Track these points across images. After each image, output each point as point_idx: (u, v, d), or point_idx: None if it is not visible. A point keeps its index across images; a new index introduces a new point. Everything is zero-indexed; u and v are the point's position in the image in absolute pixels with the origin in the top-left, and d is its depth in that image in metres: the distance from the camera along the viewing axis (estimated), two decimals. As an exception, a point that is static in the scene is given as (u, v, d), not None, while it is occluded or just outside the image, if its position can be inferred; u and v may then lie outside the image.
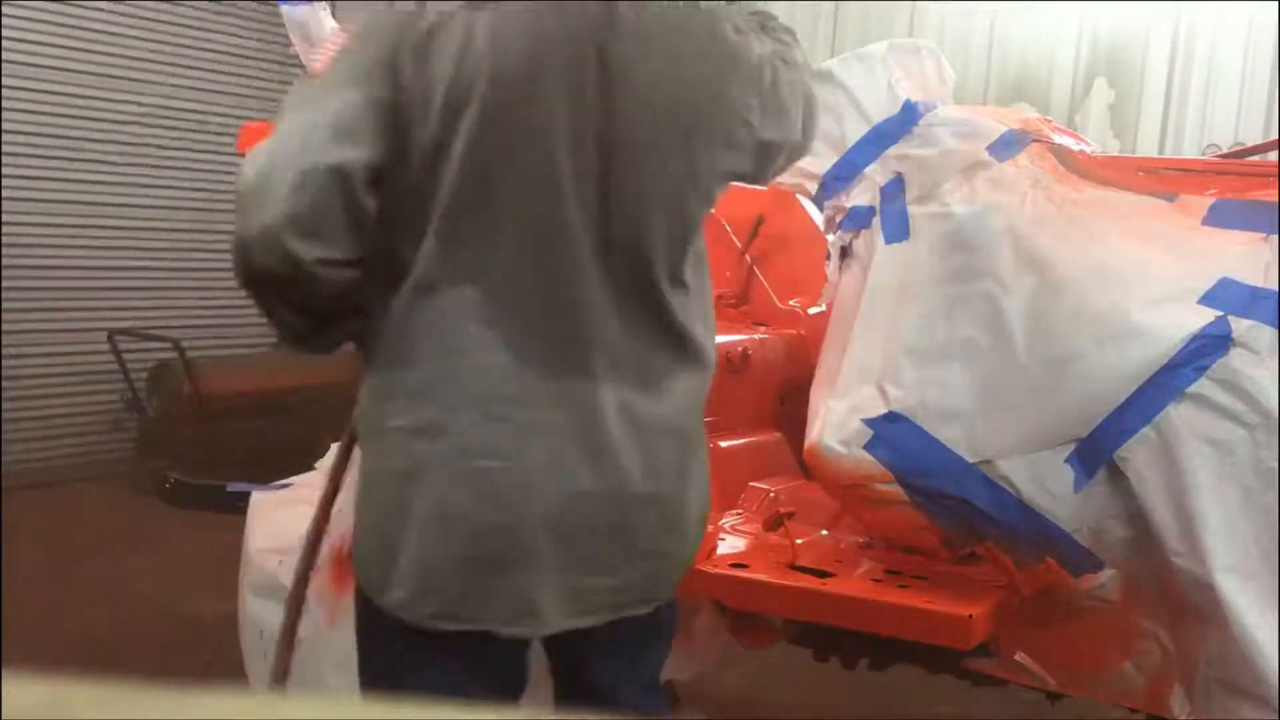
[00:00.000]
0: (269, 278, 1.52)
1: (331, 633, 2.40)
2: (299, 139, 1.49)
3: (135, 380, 6.00)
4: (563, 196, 1.55)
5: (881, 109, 2.54)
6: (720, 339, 1.83)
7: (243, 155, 2.79)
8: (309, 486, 2.96)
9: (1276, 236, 2.15)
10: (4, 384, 5.72)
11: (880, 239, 2.43)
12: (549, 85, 1.54)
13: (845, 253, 2.56)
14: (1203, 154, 4.86)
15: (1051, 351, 2.15)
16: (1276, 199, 2.20)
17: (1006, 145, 2.42)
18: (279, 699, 0.50)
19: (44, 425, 6.01)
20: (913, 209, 2.41)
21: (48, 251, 5.94)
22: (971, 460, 2.18)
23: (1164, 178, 2.46)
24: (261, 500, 2.95)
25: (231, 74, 6.67)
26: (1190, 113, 5.27)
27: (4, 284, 5.69)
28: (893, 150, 2.50)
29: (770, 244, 3.11)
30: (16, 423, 5.81)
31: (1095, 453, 2.10)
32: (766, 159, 1.75)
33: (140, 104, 6.28)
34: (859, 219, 2.52)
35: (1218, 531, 2.01)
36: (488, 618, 1.58)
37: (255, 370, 6.36)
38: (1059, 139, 2.56)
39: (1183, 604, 2.09)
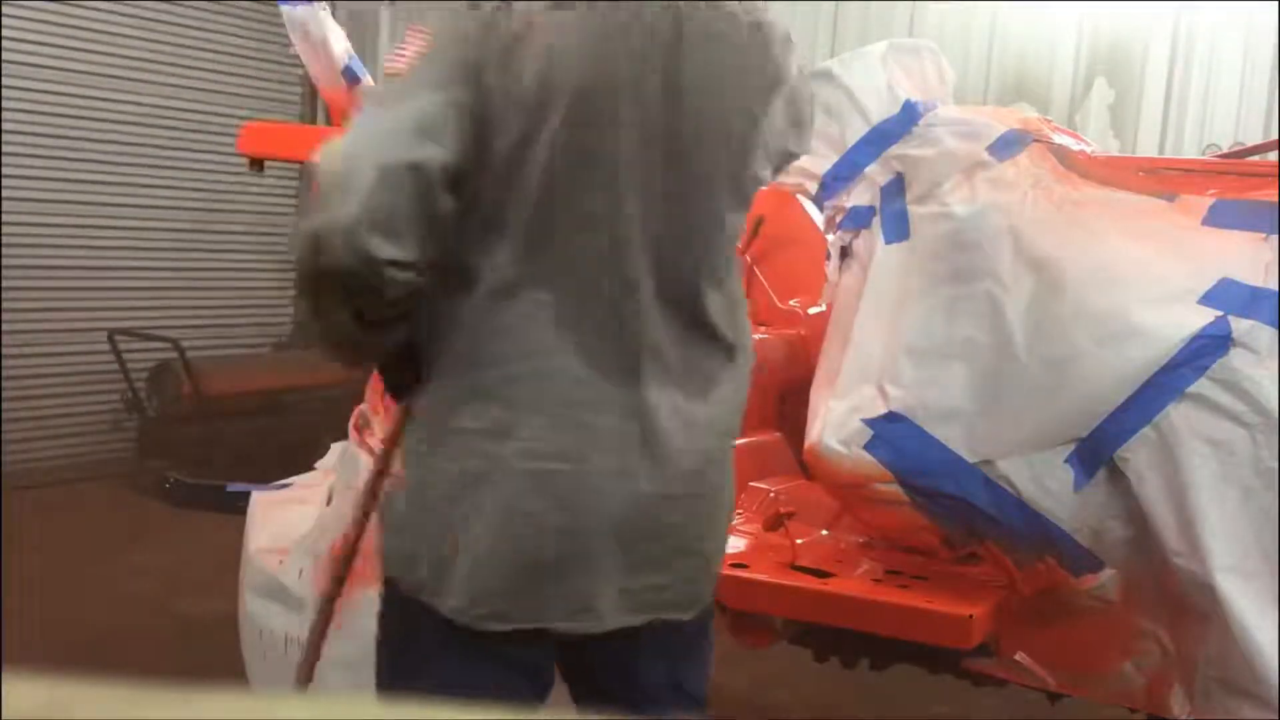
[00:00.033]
0: (339, 274, 1.49)
1: (331, 633, 2.41)
2: (380, 136, 1.49)
3: (135, 380, 6.00)
4: (629, 203, 1.58)
5: (881, 109, 2.54)
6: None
7: (243, 155, 2.81)
8: (309, 486, 2.96)
9: (1276, 236, 2.15)
10: (4, 384, 5.72)
11: (880, 239, 2.43)
12: (621, 93, 1.56)
13: (845, 253, 2.56)
14: (1203, 154, 4.86)
15: (1051, 351, 2.15)
16: (1276, 199, 2.21)
17: (1006, 145, 2.42)
18: (279, 699, 0.50)
19: (44, 425, 6.01)
20: (913, 209, 2.41)
21: (48, 251, 5.94)
22: (971, 460, 2.18)
23: (1164, 178, 2.46)
24: (261, 500, 2.96)
25: (231, 74, 6.67)
26: (1190, 113, 5.27)
27: (4, 284, 5.69)
28: (893, 150, 2.50)
29: (770, 244, 3.11)
30: (16, 423, 5.81)
31: (1095, 453, 2.10)
32: (781, 168, 1.82)
33: (140, 104, 6.27)
34: (859, 219, 2.52)
35: (1218, 531, 2.01)
36: (546, 616, 1.60)
37: (255, 370, 6.37)
38: (1059, 139, 2.55)
39: (1183, 604, 2.09)
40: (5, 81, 5.66)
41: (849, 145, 2.54)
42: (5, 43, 5.63)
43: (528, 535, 1.57)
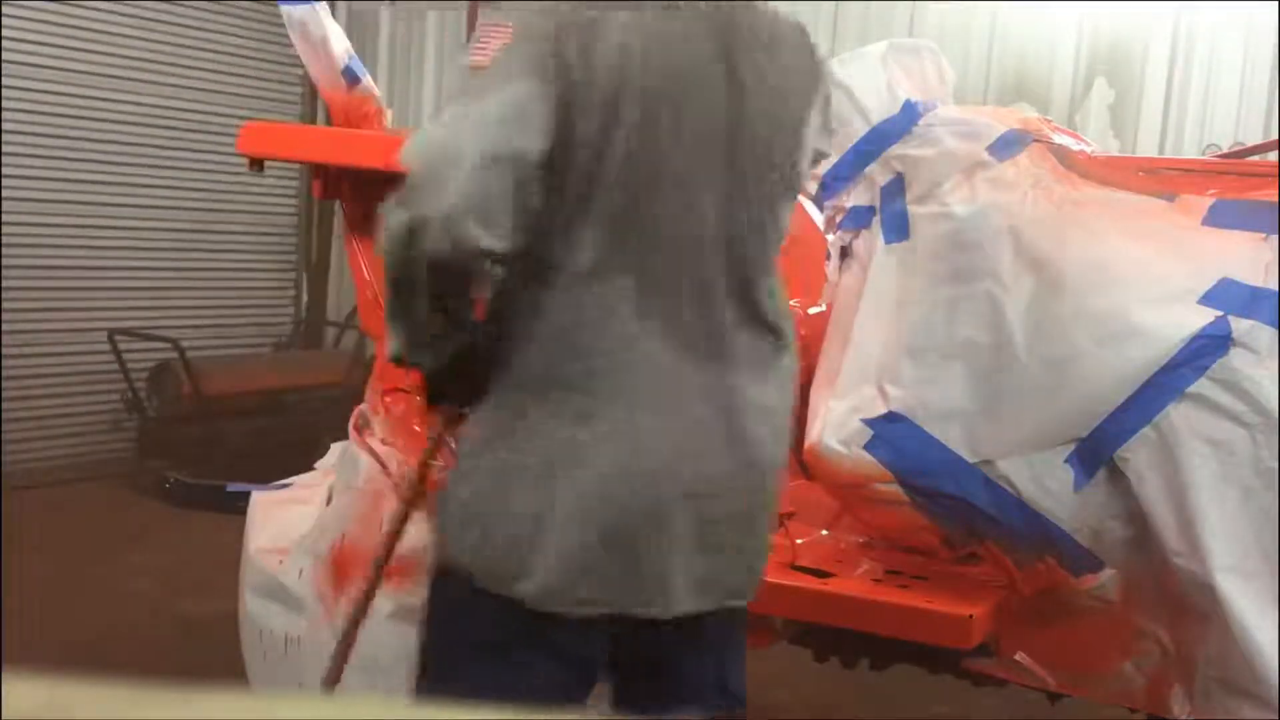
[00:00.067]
0: (435, 264, 1.50)
1: (332, 632, 2.41)
2: (478, 125, 1.51)
3: (135, 380, 6.00)
4: (702, 196, 1.63)
5: (881, 109, 2.54)
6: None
7: (243, 155, 2.80)
8: (309, 486, 2.96)
9: (1276, 236, 2.15)
10: (4, 384, 5.72)
11: (880, 239, 2.43)
12: (692, 88, 1.62)
13: (845, 253, 2.56)
14: (1203, 154, 4.86)
15: (1051, 351, 2.15)
16: (1276, 199, 2.20)
17: (1006, 145, 2.42)
18: (279, 699, 0.50)
19: (44, 425, 6.01)
20: (913, 209, 2.41)
21: (48, 251, 5.93)
22: (971, 460, 2.18)
23: (1164, 178, 2.46)
24: (261, 500, 2.95)
25: (231, 74, 6.67)
26: (1190, 113, 5.27)
27: (4, 284, 5.69)
28: (893, 150, 2.50)
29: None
30: (16, 423, 5.81)
31: (1095, 453, 2.10)
32: (814, 167, 1.92)
33: (140, 104, 6.27)
34: (859, 219, 2.52)
35: (1218, 531, 2.01)
36: (625, 601, 1.62)
37: (255, 370, 6.37)
38: (1059, 139, 2.55)
39: (1183, 604, 2.09)
40: (5, 81, 5.65)
41: (849, 145, 2.54)
42: (5, 43, 5.62)
43: (612, 521, 1.58)
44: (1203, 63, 5.23)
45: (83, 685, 0.48)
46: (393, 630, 2.23)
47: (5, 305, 5.71)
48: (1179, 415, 2.04)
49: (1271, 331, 2.05)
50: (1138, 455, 2.07)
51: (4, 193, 5.70)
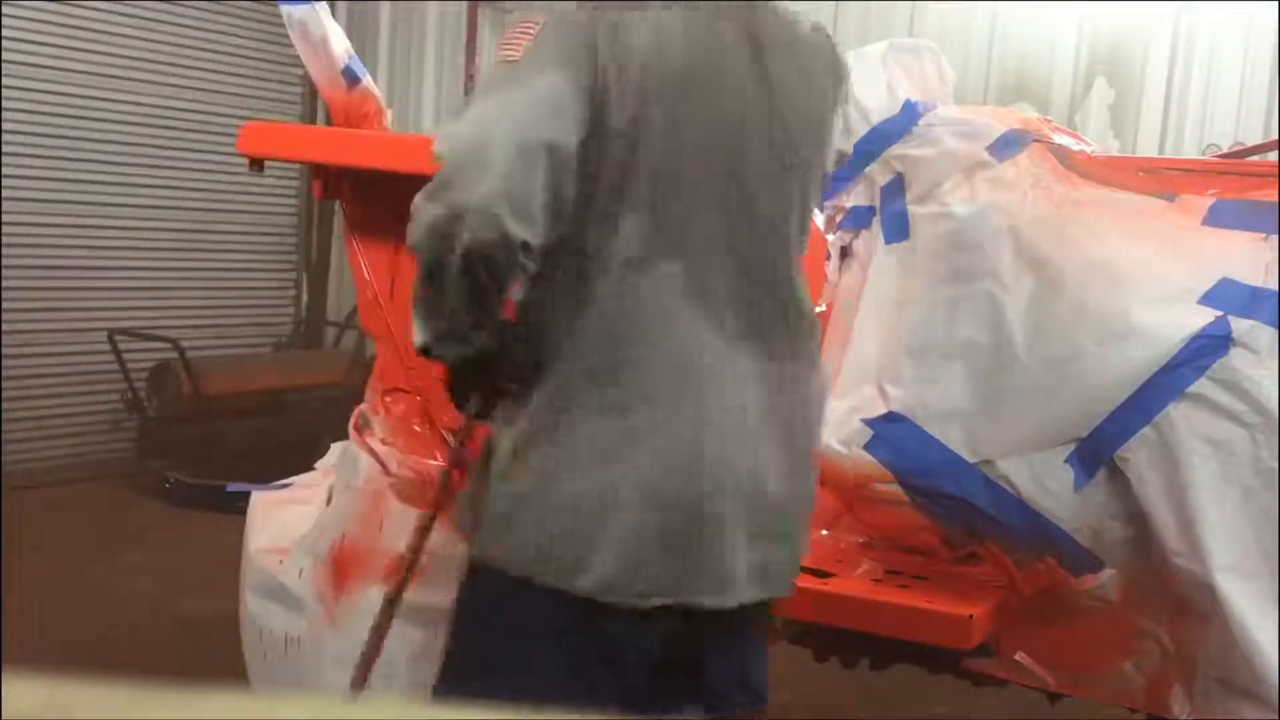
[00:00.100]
0: (471, 254, 1.49)
1: (332, 632, 2.41)
2: (514, 116, 1.51)
3: (135, 380, 5.99)
4: (735, 182, 1.65)
5: (881, 109, 2.54)
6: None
7: (243, 155, 2.80)
8: (309, 486, 2.96)
9: (1276, 236, 2.15)
10: (4, 384, 5.72)
11: (880, 239, 2.43)
12: (722, 81, 1.64)
13: (845, 253, 2.56)
14: (1203, 154, 4.85)
15: (1051, 351, 2.15)
16: (1276, 199, 2.21)
17: (1006, 145, 2.42)
18: (279, 699, 0.50)
19: (44, 425, 6.01)
20: (913, 209, 2.41)
21: (48, 251, 5.93)
22: (971, 460, 2.18)
23: (1164, 178, 2.46)
24: (261, 500, 2.95)
25: (231, 74, 6.66)
26: (1190, 113, 5.26)
27: (4, 284, 5.69)
28: (893, 150, 2.50)
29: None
30: (16, 423, 5.80)
31: (1095, 453, 2.10)
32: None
33: (140, 104, 6.27)
34: (859, 219, 2.52)
35: (1218, 531, 2.01)
36: (690, 590, 1.61)
37: (255, 370, 6.36)
38: (1059, 139, 2.56)
39: (1183, 604, 2.09)
40: (5, 81, 5.65)
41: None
42: (5, 43, 5.62)
43: (672, 508, 1.58)
44: (1203, 63, 5.22)
45: (83, 685, 0.48)
46: (394, 630, 2.23)
47: (5, 305, 5.71)
48: (1179, 415, 2.04)
49: (1271, 331, 2.05)
50: (1138, 455, 2.07)
51: (4, 193, 5.70)
